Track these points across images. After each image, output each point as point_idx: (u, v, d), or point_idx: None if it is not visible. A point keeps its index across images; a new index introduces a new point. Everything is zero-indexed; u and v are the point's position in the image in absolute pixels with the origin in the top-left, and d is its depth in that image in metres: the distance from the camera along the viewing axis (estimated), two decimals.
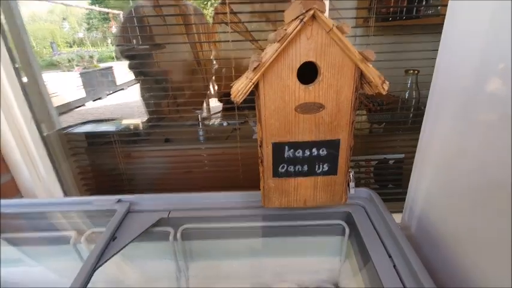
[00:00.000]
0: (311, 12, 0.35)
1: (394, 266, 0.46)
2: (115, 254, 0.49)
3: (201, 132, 1.04)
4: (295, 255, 0.62)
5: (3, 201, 0.59)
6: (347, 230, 0.58)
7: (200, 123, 1.03)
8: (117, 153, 0.96)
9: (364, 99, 1.27)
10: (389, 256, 0.48)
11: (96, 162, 1.01)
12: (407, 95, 1.07)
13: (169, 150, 0.99)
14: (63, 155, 0.88)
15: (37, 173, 0.79)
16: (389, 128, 1.15)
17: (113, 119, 1.26)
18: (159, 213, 0.58)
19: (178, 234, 0.57)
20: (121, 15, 1.24)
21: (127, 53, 1.06)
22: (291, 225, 0.58)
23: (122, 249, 0.50)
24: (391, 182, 1.13)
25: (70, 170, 0.89)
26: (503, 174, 0.35)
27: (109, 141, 0.99)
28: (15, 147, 0.75)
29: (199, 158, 0.99)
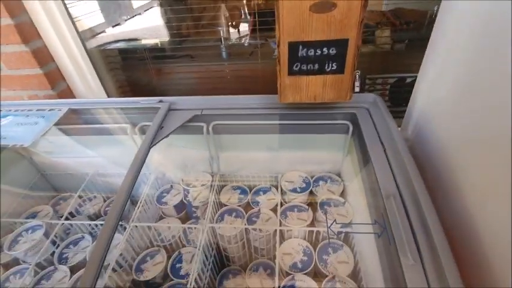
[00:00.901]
0: None
1: (388, 160, 0.55)
2: (164, 137, 0.63)
3: (224, 49, 1.09)
4: (305, 149, 0.75)
5: (71, 100, 0.74)
6: (351, 128, 0.68)
7: (222, 38, 1.08)
8: (149, 68, 1.06)
9: (391, 16, 1.21)
10: (384, 150, 0.58)
11: (132, 77, 1.13)
12: (435, 9, 1.02)
13: (196, 66, 1.07)
14: (105, 68, 1.00)
15: (87, 83, 0.92)
16: (412, 45, 1.13)
17: (138, 39, 1.32)
18: (194, 111, 0.70)
19: (210, 128, 0.70)
20: None
21: None
22: (302, 123, 0.69)
23: (169, 134, 0.64)
24: (405, 101, 1.17)
25: (112, 82, 1.02)
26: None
27: (141, 58, 1.08)
28: (68, 61, 0.86)
29: (223, 74, 1.07)
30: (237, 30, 1.27)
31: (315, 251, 0.64)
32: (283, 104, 0.69)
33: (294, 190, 0.73)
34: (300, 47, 0.51)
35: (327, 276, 0.58)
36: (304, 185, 0.75)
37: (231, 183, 0.81)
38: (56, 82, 0.88)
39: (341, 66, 0.53)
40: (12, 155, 0.82)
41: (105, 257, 0.45)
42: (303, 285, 0.58)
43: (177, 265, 0.68)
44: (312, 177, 0.77)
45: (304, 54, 0.52)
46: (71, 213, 0.78)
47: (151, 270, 0.66)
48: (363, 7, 0.46)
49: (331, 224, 0.62)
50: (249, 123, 0.70)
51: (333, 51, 0.51)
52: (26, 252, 0.66)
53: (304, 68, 0.54)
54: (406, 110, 0.74)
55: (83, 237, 0.72)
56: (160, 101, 0.72)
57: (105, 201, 0.85)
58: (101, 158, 0.81)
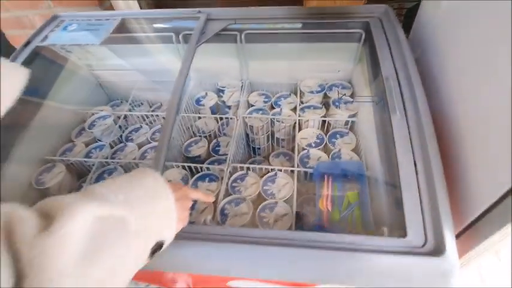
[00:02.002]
0: None
1: (392, 56, 0.67)
2: (207, 40, 0.76)
3: None
4: (321, 58, 0.87)
5: (122, 12, 0.86)
6: (363, 36, 0.79)
7: None
8: None
9: None
10: (390, 51, 0.69)
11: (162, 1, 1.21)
12: None
13: None
14: None
15: (127, 2, 1.03)
16: None
17: None
18: (228, 20, 0.81)
19: (242, 36, 0.83)
20: None
21: None
22: (320, 32, 0.80)
23: (209, 37, 0.77)
24: None
25: (148, 5, 1.12)
26: None
27: None
28: None
29: None
30: None
31: (326, 136, 0.81)
32: (305, 14, 0.80)
33: (311, 92, 0.88)
34: None
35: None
36: (319, 89, 0.89)
37: (257, 90, 0.96)
38: (103, 0, 0.99)
39: None
40: (73, 66, 0.97)
41: (170, 135, 0.62)
42: (315, 155, 0.76)
43: (216, 148, 0.87)
44: (326, 84, 0.90)
45: None
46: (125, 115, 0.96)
47: (197, 151, 0.85)
48: None
49: (341, 97, 0.78)
50: (276, 32, 0.82)
51: None
52: (102, 132, 0.85)
53: None
54: (413, 26, 0.83)
55: (141, 126, 0.91)
56: (199, 12, 0.83)
57: (150, 106, 1.03)
58: (149, 64, 0.95)
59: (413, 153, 0.54)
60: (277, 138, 0.89)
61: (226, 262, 0.48)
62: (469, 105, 0.54)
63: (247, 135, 0.91)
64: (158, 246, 0.35)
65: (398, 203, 0.51)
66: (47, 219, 0.24)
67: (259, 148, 0.94)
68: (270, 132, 0.90)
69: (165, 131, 0.62)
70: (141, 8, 1.06)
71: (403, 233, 0.48)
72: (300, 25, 0.80)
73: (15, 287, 0.19)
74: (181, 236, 0.45)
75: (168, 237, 0.37)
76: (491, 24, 0.50)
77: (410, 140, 0.56)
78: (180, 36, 0.85)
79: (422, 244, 0.47)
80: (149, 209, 0.32)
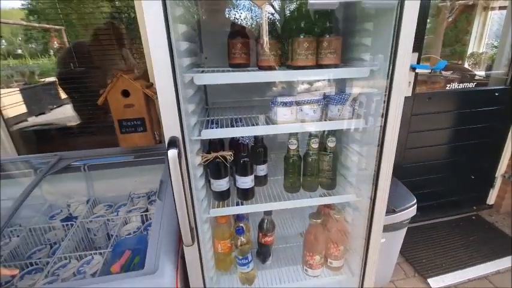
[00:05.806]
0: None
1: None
2: (55, 172, 1.14)
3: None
4: (145, 175, 1.33)
5: None
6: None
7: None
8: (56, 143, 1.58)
9: None
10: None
11: (45, 150, 1.60)
12: None
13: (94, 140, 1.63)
14: (24, 145, 1.48)
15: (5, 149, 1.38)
16: None
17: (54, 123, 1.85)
18: (75, 158, 1.23)
19: (86, 167, 1.24)
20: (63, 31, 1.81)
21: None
22: (141, 159, 1.28)
23: (59, 170, 1.15)
24: None
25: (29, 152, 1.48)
26: None
27: (51, 137, 1.60)
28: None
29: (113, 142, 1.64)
30: None
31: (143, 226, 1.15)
32: (128, 151, 1.29)
33: (138, 198, 1.27)
34: (123, 121, 1.15)
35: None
36: (144, 195, 1.29)
37: (103, 203, 1.30)
38: None
39: (145, 128, 1.17)
40: None
41: None
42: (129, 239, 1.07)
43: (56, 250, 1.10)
44: (151, 192, 1.32)
45: (127, 124, 1.15)
46: None
47: (39, 255, 1.06)
48: (146, 105, 1.14)
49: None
50: (110, 162, 1.26)
51: (138, 122, 1.16)
52: None
53: (128, 130, 1.16)
54: None
55: None
56: (55, 155, 1.24)
57: None
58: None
59: (161, 220, 0.93)
60: (112, 235, 1.19)
61: None
62: None
63: (89, 239, 1.18)
64: None
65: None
66: None
67: (100, 247, 1.20)
68: (107, 232, 1.19)
69: None
70: (18, 154, 1.43)
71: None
72: (131, 157, 1.27)
73: None
74: None
75: None
76: None
77: (161, 217, 0.96)
78: (38, 171, 1.21)
79: (153, 271, 0.79)
80: None
